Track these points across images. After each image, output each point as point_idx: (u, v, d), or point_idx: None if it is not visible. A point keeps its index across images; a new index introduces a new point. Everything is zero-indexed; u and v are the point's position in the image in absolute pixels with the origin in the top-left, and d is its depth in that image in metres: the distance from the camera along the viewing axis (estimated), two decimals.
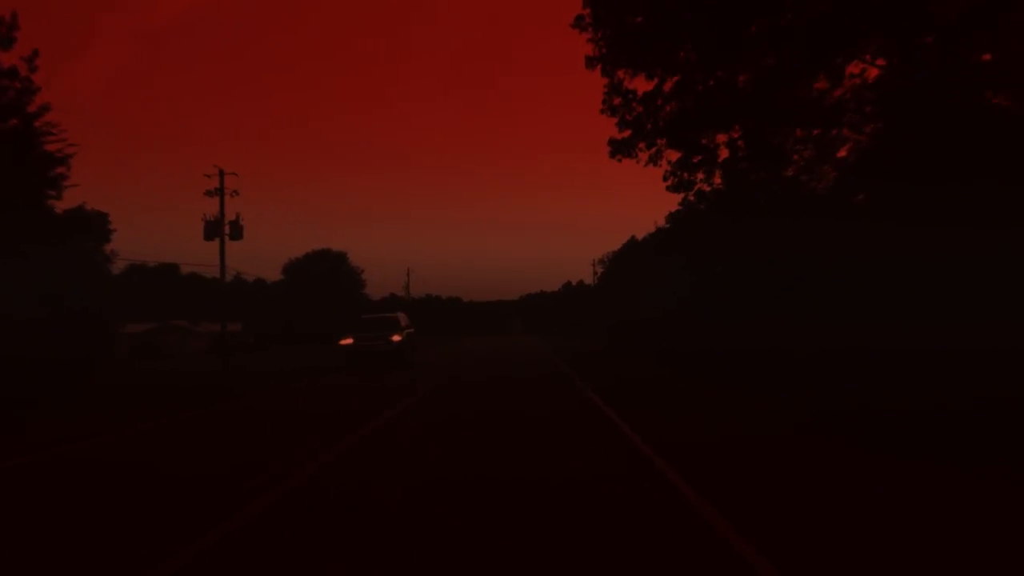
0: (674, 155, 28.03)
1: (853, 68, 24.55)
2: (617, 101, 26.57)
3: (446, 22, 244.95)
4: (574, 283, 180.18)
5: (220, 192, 39.38)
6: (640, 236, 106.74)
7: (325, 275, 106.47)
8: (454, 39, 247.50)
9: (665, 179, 27.77)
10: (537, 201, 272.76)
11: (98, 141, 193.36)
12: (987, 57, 21.13)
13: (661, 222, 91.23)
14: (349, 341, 35.57)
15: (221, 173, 39.49)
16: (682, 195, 29.29)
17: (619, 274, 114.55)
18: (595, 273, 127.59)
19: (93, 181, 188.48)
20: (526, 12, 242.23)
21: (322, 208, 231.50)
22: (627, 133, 25.91)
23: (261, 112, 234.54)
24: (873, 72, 25.99)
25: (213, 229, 39.29)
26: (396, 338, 35.09)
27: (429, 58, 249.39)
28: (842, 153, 27.77)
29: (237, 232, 39.22)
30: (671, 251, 37.37)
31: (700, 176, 28.58)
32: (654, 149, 26.42)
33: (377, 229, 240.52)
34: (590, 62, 25.78)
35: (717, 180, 28.78)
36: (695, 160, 28.11)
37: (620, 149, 26.27)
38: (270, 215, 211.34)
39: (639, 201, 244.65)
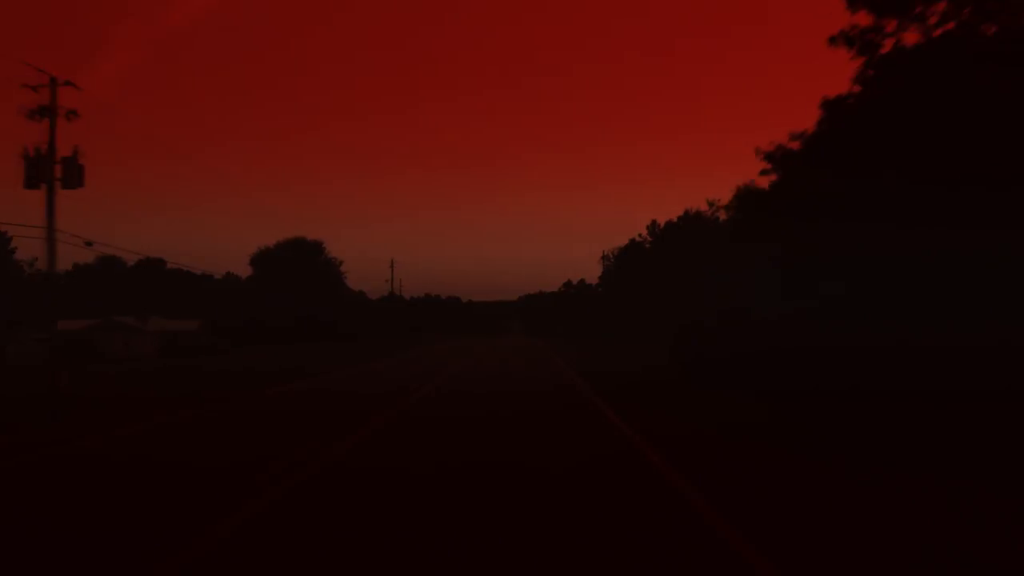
0: None
1: None
2: None
3: (449, 27, 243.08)
4: (574, 282, 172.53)
5: (51, 112, 24.30)
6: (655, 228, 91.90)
7: (299, 266, 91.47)
8: (457, 44, 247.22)
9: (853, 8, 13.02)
10: (536, 201, 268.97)
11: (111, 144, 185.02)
12: None
13: (662, 219, 78.88)
14: None
15: (52, 82, 24.35)
16: (862, 59, 14.42)
17: (638, 269, 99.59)
18: (605, 267, 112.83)
19: (100, 182, 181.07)
20: (530, 15, 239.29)
21: (322, 208, 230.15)
22: None
23: (266, 113, 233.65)
24: None
25: (38, 170, 24.33)
26: None
27: (432, 62, 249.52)
28: None
29: (74, 176, 24.03)
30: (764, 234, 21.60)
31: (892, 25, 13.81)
32: None
33: (380, 229, 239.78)
34: None
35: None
36: None
37: None
38: (273, 215, 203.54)
39: (639, 201, 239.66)
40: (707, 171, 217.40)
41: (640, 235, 77.09)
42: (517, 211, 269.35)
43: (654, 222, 73.30)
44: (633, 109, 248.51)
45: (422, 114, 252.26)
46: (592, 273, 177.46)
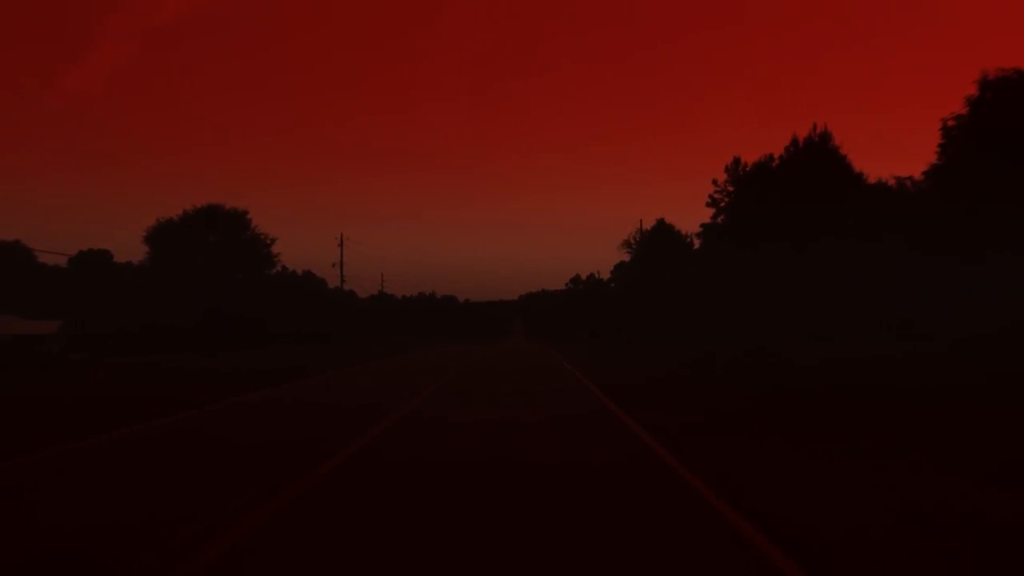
0: None
1: None
2: None
3: (447, 26, 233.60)
4: (583, 277, 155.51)
5: None
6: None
7: (213, 246, 65.91)
8: (455, 43, 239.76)
9: None
10: (535, 200, 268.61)
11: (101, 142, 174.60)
12: None
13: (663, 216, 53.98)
14: None
15: None
16: None
17: (675, 254, 75.02)
18: (631, 251, 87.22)
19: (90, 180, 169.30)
20: (528, 15, 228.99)
21: (319, 207, 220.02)
22: None
23: (261, 113, 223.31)
24: None
25: None
26: None
27: (432, 62, 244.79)
28: None
29: None
30: None
31: None
32: None
33: (377, 229, 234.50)
34: None
35: None
36: None
37: None
38: (270, 214, 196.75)
39: (640, 199, 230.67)
40: (707, 170, 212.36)
41: (714, 192, 49.56)
42: (515, 210, 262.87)
43: (737, 160, 45.99)
44: (632, 108, 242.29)
45: (421, 114, 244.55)
46: (595, 268, 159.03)
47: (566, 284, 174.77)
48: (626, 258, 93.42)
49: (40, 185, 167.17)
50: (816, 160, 34.30)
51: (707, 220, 55.85)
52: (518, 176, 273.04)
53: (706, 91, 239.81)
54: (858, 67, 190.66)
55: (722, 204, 45.73)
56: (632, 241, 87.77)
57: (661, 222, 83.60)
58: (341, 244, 67.17)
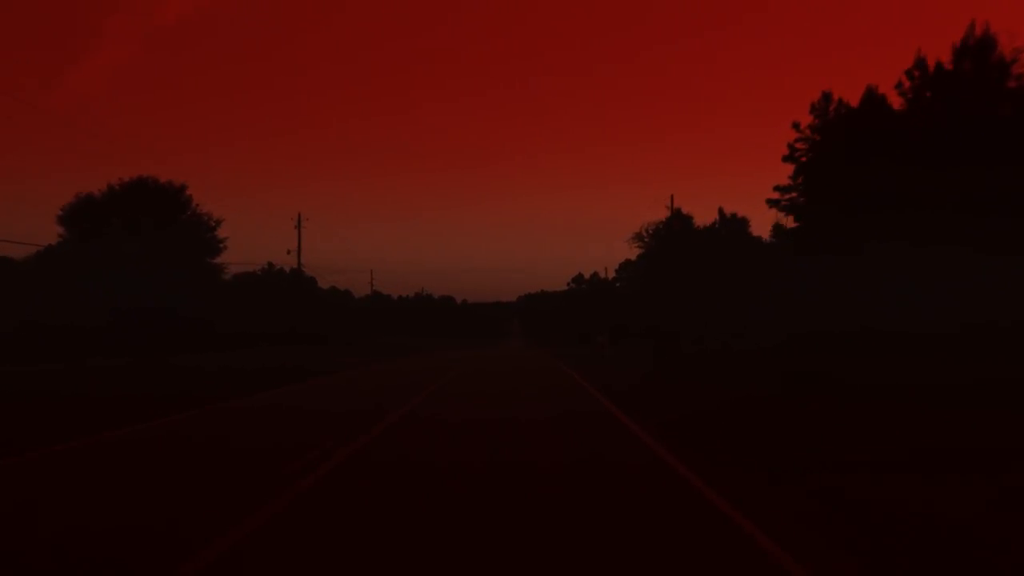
0: None
1: None
2: None
3: (450, 26, 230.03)
4: (586, 276, 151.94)
5: None
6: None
7: (144, 228, 53.81)
8: (458, 44, 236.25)
9: None
10: (535, 201, 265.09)
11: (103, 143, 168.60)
12: None
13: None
14: None
15: None
16: None
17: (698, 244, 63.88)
18: (643, 245, 75.89)
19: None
20: (529, 15, 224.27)
21: (319, 207, 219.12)
22: None
23: (262, 113, 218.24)
24: None
25: None
26: None
27: (436, 63, 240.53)
28: None
29: None
30: None
31: None
32: None
33: (378, 229, 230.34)
34: None
35: None
36: None
37: None
38: (272, 214, 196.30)
39: (640, 201, 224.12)
40: (708, 171, 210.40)
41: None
42: (515, 211, 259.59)
43: (827, 96, 31.95)
44: (633, 109, 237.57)
45: (423, 114, 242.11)
46: (596, 269, 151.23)
47: (568, 284, 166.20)
48: (636, 254, 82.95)
49: (41, 185, 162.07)
50: (985, 86, 21.35)
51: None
52: (518, 177, 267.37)
53: (711, 92, 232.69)
54: (861, 67, 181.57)
55: (803, 159, 32.44)
56: (645, 233, 76.45)
57: (679, 212, 72.30)
58: (298, 225, 55.70)
